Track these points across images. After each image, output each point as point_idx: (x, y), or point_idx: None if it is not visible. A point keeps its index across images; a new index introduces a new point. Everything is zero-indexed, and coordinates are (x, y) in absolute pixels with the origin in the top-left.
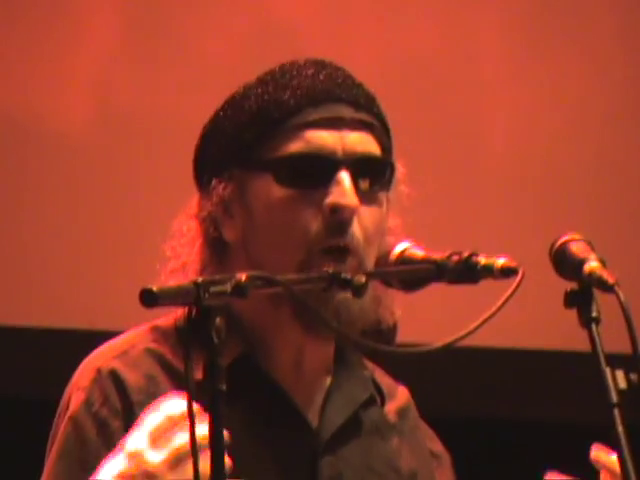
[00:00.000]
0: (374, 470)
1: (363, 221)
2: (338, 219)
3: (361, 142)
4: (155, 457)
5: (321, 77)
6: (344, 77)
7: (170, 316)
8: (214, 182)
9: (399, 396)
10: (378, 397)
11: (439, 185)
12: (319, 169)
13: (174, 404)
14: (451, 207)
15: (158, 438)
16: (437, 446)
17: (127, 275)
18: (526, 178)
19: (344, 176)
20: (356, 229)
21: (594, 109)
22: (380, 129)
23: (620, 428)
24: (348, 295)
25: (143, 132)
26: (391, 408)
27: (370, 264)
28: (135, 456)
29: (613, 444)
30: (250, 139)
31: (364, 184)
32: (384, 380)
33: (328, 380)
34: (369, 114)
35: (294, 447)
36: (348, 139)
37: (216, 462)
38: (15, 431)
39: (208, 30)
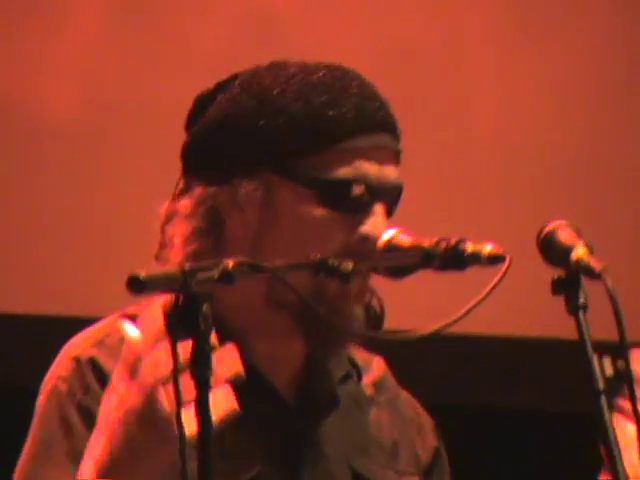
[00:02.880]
0: (356, 445)
1: None
2: (366, 247)
3: (394, 173)
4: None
5: (366, 96)
6: (382, 100)
7: (141, 304)
8: (241, 181)
9: (374, 368)
10: (354, 372)
11: (426, 172)
12: (360, 197)
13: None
14: (438, 194)
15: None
16: (418, 412)
17: (110, 261)
18: (514, 164)
19: (380, 209)
20: None
21: (584, 94)
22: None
23: (607, 415)
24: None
25: (128, 116)
26: (367, 381)
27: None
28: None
29: (599, 432)
30: (294, 149)
31: (388, 211)
32: (359, 354)
33: (303, 358)
34: (399, 142)
35: (274, 428)
36: (385, 170)
37: (203, 462)
38: None
39: (193, 14)
